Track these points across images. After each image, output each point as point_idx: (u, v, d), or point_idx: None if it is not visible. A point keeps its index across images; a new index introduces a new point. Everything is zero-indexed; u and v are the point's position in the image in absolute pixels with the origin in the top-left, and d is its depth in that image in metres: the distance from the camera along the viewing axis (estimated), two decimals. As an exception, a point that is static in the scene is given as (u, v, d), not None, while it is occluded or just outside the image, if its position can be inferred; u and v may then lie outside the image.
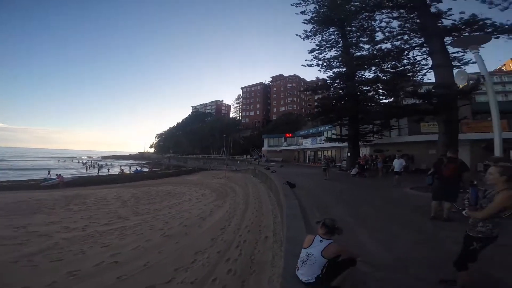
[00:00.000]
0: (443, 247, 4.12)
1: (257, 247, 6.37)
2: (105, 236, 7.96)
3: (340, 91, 23.04)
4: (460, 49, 12.24)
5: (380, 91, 21.49)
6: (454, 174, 5.62)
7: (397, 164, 12.19)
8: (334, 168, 24.40)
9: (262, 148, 51.76)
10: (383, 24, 16.01)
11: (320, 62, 23.13)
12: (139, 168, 47.56)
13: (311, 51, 23.41)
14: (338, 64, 22.41)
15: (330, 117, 23.25)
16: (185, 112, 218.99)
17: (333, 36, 23.01)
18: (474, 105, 18.86)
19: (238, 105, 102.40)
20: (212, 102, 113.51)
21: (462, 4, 12.69)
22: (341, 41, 22.65)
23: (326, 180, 14.39)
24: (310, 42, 24.62)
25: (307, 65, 23.67)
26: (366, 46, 20.24)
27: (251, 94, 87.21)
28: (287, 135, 49.08)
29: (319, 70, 25.64)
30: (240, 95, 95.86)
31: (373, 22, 17.09)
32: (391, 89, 18.64)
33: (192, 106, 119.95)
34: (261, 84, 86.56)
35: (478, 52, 7.16)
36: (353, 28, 20.49)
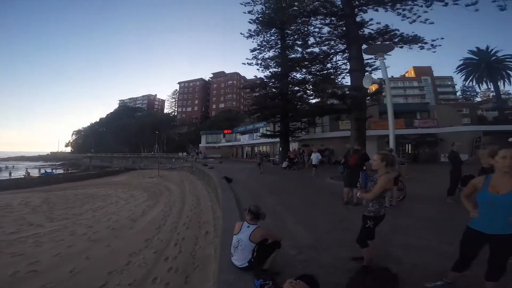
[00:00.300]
0: (354, 228, 4.40)
1: (198, 243, 6.38)
2: (17, 244, 7.16)
3: (274, 90, 24.76)
4: (371, 56, 14.03)
5: (308, 91, 23.93)
6: (357, 163, 6.65)
7: (314, 157, 13.67)
8: (268, 162, 26.10)
9: (200, 145, 51.05)
10: (316, 30, 17.56)
11: (259, 62, 24.28)
12: (49, 170, 41.91)
13: (252, 50, 24.36)
14: (274, 64, 23.89)
15: (265, 114, 24.79)
16: (111, 107, 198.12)
17: (273, 38, 24.33)
18: (381, 106, 22.24)
19: (173, 100, 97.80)
20: (143, 96, 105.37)
21: (383, 15, 15.06)
22: (279, 43, 24.10)
23: (261, 174, 15.38)
24: (253, 42, 25.43)
25: (247, 63, 24.76)
26: (300, 49, 21.83)
27: (189, 90, 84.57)
28: (226, 131, 49.41)
29: (258, 69, 26.88)
30: (176, 90, 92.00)
31: (309, 27, 18.35)
32: (316, 90, 20.97)
33: (120, 100, 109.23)
34: (201, 80, 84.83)
35: (383, 59, 8.69)
36: (291, 31, 21.78)
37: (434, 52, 15.14)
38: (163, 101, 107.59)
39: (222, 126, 54.33)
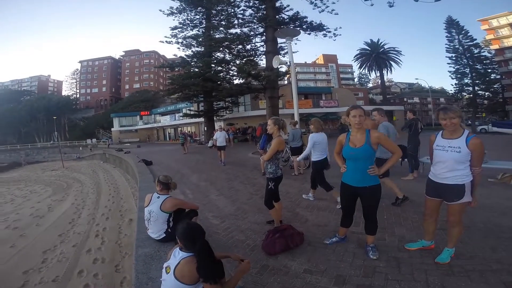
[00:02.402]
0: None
1: (122, 231, 6.22)
2: None
3: (196, 69, 23.82)
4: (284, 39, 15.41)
5: (231, 71, 23.96)
6: (261, 134, 6.80)
7: (221, 137, 10.17)
8: (194, 142, 25.49)
9: (113, 129, 45.69)
10: (240, 11, 17.76)
11: (180, 40, 22.89)
12: None
13: (173, 29, 22.76)
14: (197, 43, 22.88)
15: (187, 94, 23.77)
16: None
17: (198, 17, 23.07)
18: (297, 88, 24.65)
19: (74, 81, 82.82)
20: (32, 77, 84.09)
21: (298, 3, 15.96)
22: (204, 22, 23.02)
23: (185, 154, 15.00)
24: (174, 20, 23.62)
25: (166, 42, 22.96)
26: (223, 30, 21.58)
27: (94, 69, 73.64)
28: (142, 113, 45.56)
29: (178, 48, 25.00)
30: (78, 69, 78.41)
31: (235, 8, 18.43)
32: (238, 70, 21.20)
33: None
34: (110, 58, 74.86)
35: (291, 43, 9.36)
36: (216, 11, 21.18)
37: (335, 40, 17.35)
38: (60, 82, 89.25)
39: (138, 107, 49.76)
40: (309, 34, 16.96)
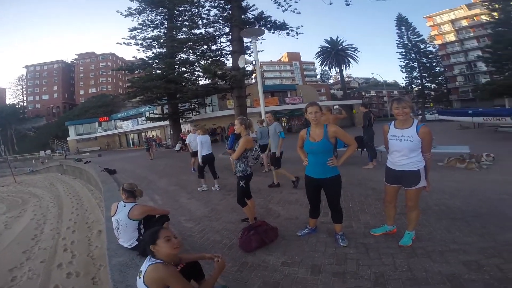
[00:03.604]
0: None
1: (92, 243, 5.98)
2: None
3: (158, 71, 22.93)
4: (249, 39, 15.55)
5: (196, 72, 23.44)
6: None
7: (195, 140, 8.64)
8: (160, 147, 24.58)
9: (69, 138, 42.26)
10: (205, 11, 17.48)
11: (140, 42, 21.83)
12: None
13: (132, 30, 21.56)
14: (159, 45, 21.98)
15: (149, 96, 22.79)
16: None
17: (159, 17, 22.04)
18: (263, 86, 24.91)
19: (20, 88, 75.13)
20: None
21: (262, 2, 16.07)
22: (166, 23, 22.08)
23: (151, 160, 14.46)
24: (133, 21, 22.34)
25: (124, 43, 21.74)
26: (187, 30, 21.10)
27: (43, 74, 67.37)
28: (101, 119, 42.73)
29: (138, 50, 23.75)
30: (23, 75, 71.00)
31: (199, 8, 18.07)
32: (203, 70, 20.82)
33: None
34: (61, 62, 68.93)
35: (256, 42, 9.44)
36: (179, 12, 20.57)
37: (297, 38, 18.02)
38: (2, 90, 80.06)
39: (96, 113, 46.56)
40: (273, 33, 17.32)
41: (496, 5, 24.75)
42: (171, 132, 24.19)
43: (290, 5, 16.10)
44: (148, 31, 22.18)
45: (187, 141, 8.68)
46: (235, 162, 3.48)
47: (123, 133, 39.19)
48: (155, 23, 22.12)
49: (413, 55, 37.90)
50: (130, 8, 20.99)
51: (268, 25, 16.43)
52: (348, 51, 52.20)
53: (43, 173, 26.34)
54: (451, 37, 45.21)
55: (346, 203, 4.11)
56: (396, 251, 2.59)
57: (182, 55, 22.61)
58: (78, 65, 68.30)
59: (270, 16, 16.31)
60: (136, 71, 25.33)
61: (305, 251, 2.80)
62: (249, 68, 14.07)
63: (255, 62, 8.77)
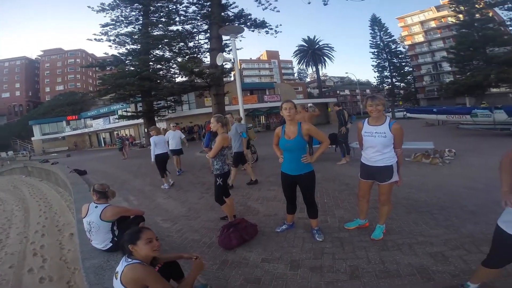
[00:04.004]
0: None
1: (65, 247, 5.70)
2: None
3: (132, 68, 22.03)
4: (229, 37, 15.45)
5: (172, 69, 22.82)
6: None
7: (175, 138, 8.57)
8: (134, 146, 23.74)
9: (33, 138, 39.44)
10: (183, 8, 17.14)
11: (113, 38, 20.77)
12: None
13: (104, 26, 20.46)
14: (132, 41, 21.09)
15: (121, 94, 21.86)
16: None
17: (134, 13, 21.04)
18: (242, 84, 24.85)
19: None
20: None
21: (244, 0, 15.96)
22: (141, 19, 21.17)
23: (125, 160, 13.95)
24: (105, 16, 21.27)
25: (95, 40, 20.60)
26: (163, 26, 20.45)
27: (3, 71, 62.20)
28: (69, 117, 40.24)
29: (110, 46, 22.65)
30: (-20, 71, 65.15)
31: (177, 5, 17.64)
32: (179, 67, 20.32)
33: None
34: (24, 58, 64.12)
35: (235, 40, 9.38)
36: (155, 8, 19.88)
37: (275, 37, 18.30)
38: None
39: (63, 111, 43.77)
40: (253, 31, 17.36)
41: (462, 7, 26.39)
42: (146, 130, 23.42)
43: (270, 4, 16.28)
44: (121, 27, 21.20)
45: (165, 139, 8.26)
46: (212, 160, 3.46)
47: (93, 132, 37.25)
48: (129, 19, 21.18)
49: (384, 55, 39.70)
50: (103, 4, 19.95)
51: (248, 23, 16.47)
52: (324, 50, 53.51)
53: (6, 175, 24.47)
54: (420, 38, 47.79)
55: (321, 199, 4.24)
56: (368, 244, 2.72)
57: (157, 51, 21.93)
58: (43, 61, 63.87)
59: (250, 14, 16.38)
60: (108, 68, 24.16)
61: (284, 247, 2.87)
62: (228, 65, 14.02)
63: (233, 60, 8.74)
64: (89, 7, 20.16)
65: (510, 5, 24.37)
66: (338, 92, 72.53)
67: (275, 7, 16.50)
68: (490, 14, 26.59)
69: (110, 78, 20.63)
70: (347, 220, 3.31)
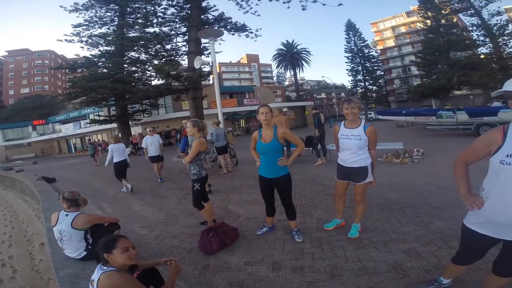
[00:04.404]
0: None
1: (36, 257, 5.37)
2: None
3: (105, 70, 21.16)
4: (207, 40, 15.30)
5: (148, 72, 22.18)
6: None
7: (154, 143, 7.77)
8: (107, 152, 22.75)
9: (-5, 145, 36.65)
10: (161, 10, 16.81)
11: (85, 39, 19.87)
12: None
13: (76, 26, 19.53)
14: (106, 42, 20.25)
15: (93, 97, 20.89)
16: None
17: (109, 14, 20.16)
18: (220, 87, 24.67)
19: None
20: None
21: (223, 4, 15.91)
22: (117, 20, 20.31)
23: (97, 166, 13.38)
24: (78, 16, 20.39)
25: (66, 40, 19.61)
26: (139, 28, 19.83)
27: (-40, 73, 57.41)
28: (36, 122, 37.86)
29: (82, 47, 21.55)
30: None
31: (155, 6, 17.26)
32: (156, 70, 19.81)
33: None
34: (-15, 59, 59.30)
35: (214, 43, 9.31)
36: (132, 9, 19.22)
37: (255, 41, 18.49)
38: None
39: (29, 116, 41.12)
40: (233, 34, 17.37)
41: (430, 13, 28.02)
42: (120, 135, 22.52)
43: (252, 8, 16.47)
44: (95, 28, 20.31)
45: (143, 145, 7.76)
46: (188, 165, 3.40)
47: (63, 137, 35.24)
48: (104, 19, 20.33)
49: (358, 59, 41.29)
50: (76, 4, 19.02)
51: (228, 27, 16.47)
52: (302, 54, 54.77)
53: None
54: (391, 43, 50.40)
55: (299, 200, 4.35)
56: (346, 243, 2.82)
57: (133, 53, 21.23)
58: (7, 62, 59.74)
59: (230, 18, 16.38)
60: (79, 70, 23.02)
61: (265, 249, 2.91)
62: (206, 69, 13.93)
63: (212, 63, 8.71)
64: (61, 6, 19.14)
65: (472, 11, 26.36)
66: (315, 95, 74.37)
67: (256, 11, 16.74)
68: (454, 20, 28.38)
69: (81, 80, 19.65)
70: (325, 220, 3.42)
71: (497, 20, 25.59)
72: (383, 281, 2.16)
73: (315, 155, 7.45)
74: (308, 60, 55.09)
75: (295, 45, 55.10)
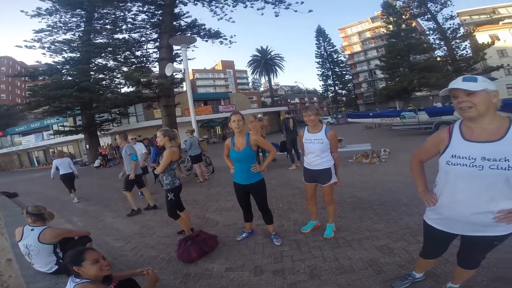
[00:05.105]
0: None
1: (3, 273, 4.97)
2: None
3: (70, 78, 20.00)
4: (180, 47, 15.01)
5: (116, 79, 21.33)
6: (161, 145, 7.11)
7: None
8: (75, 164, 21.46)
9: None
10: (131, 16, 16.37)
11: (47, 45, 18.68)
12: None
13: (38, 32, 18.32)
14: (71, 49, 19.18)
15: (56, 107, 19.62)
16: None
17: (75, 19, 19.11)
18: (194, 94, 24.27)
19: None
20: None
21: (196, 10, 15.75)
22: (83, 25, 19.31)
23: (64, 180, 12.58)
24: (40, 22, 19.19)
25: (26, 46, 18.34)
26: (107, 34, 19.03)
27: None
28: (-9, 135, 34.79)
29: (44, 54, 20.23)
30: None
31: (125, 12, 16.73)
32: (125, 77, 19.10)
33: None
34: None
35: (186, 50, 9.20)
36: (99, 15, 18.39)
37: (230, 47, 18.37)
38: None
39: (-17, 127, 37.50)
40: (207, 41, 17.24)
41: (392, 18, 29.61)
42: (87, 147, 21.34)
43: (226, 14, 16.54)
44: (59, 34, 19.24)
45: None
46: (161, 176, 3.35)
47: (23, 150, 32.63)
48: (68, 25, 19.31)
49: (328, 64, 42.97)
50: (39, 8, 17.92)
51: (202, 33, 16.37)
52: (276, 60, 55.91)
53: None
54: (358, 48, 52.76)
55: (276, 204, 4.46)
56: (322, 244, 2.92)
57: (100, 60, 20.32)
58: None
59: (204, 24, 16.29)
60: (40, 78, 21.60)
61: (245, 254, 2.94)
62: (179, 76, 13.70)
63: (184, 70, 8.63)
64: (22, 11, 17.96)
65: (429, 16, 28.42)
66: (289, 100, 75.81)
67: (230, 18, 16.81)
68: (413, 25, 30.21)
69: (43, 89, 18.39)
70: (302, 222, 3.53)
71: (450, 24, 27.86)
72: (361, 278, 2.25)
73: (290, 160, 7.64)
74: (282, 66, 56.43)
75: (269, 51, 56.20)
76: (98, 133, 21.88)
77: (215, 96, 39.16)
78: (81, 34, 19.55)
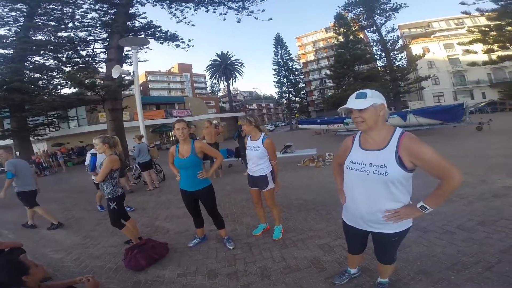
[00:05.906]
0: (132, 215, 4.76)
1: None
2: None
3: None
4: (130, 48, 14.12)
5: (55, 79, 19.19)
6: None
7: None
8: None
9: None
10: (80, 13, 14.83)
11: None
12: None
13: None
14: (3, 45, 16.65)
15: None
16: None
17: (13, 13, 16.47)
18: (144, 98, 23.03)
19: None
20: None
21: (153, 11, 14.79)
22: (22, 21, 16.79)
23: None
24: None
25: None
26: (49, 31, 16.80)
27: None
28: None
29: None
30: None
31: (74, 8, 15.06)
32: (67, 78, 17.28)
33: None
34: None
35: (137, 52, 8.75)
36: (43, 11, 16.18)
37: (187, 51, 17.90)
38: None
39: None
40: (162, 43, 16.56)
41: (342, 29, 31.55)
42: (17, 154, 18.68)
43: (186, 17, 16.02)
44: None
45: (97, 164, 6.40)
46: (101, 185, 3.18)
47: None
48: (4, 19, 16.79)
49: (283, 71, 44.52)
50: None
51: (157, 35, 15.64)
52: (236, 66, 56.09)
53: None
54: (311, 57, 55.57)
55: (229, 209, 4.59)
56: (271, 245, 3.07)
57: (37, 58, 18.09)
58: None
59: (160, 26, 15.56)
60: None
61: (198, 259, 2.99)
62: (128, 78, 12.91)
63: (134, 72, 8.26)
64: None
65: (374, 28, 31.05)
66: (247, 106, 76.63)
67: (190, 21, 16.42)
68: (360, 36, 32.58)
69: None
70: (253, 226, 3.69)
71: (391, 36, 30.69)
72: (306, 277, 2.38)
73: (244, 165, 7.87)
74: (241, 71, 56.88)
75: (229, 56, 56.19)
76: (32, 139, 19.32)
77: (169, 100, 37.78)
78: (18, 30, 17.18)
